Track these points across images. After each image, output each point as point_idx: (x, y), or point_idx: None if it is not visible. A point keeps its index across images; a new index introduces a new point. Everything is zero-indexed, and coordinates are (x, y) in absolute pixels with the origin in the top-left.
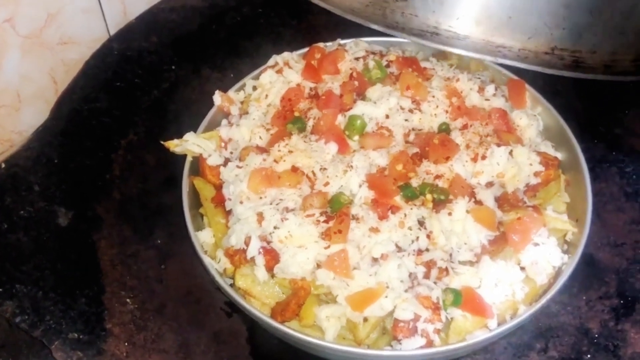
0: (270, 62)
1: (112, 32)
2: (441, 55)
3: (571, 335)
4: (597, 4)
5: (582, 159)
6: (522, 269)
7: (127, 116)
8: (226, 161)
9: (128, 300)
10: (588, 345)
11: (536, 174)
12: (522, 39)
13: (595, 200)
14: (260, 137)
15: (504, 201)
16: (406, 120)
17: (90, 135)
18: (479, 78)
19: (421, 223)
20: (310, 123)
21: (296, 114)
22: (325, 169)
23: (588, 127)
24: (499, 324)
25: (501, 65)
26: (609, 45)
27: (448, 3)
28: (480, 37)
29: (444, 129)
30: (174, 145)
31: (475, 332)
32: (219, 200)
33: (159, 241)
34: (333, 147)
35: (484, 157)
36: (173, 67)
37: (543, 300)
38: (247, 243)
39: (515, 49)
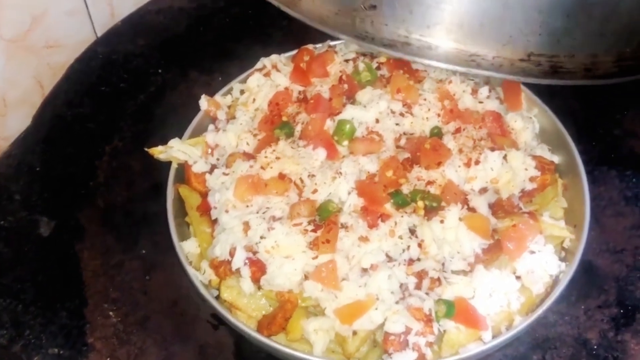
0: (258, 65)
1: (100, 34)
2: None
3: (569, 346)
4: (575, 7)
5: (579, 162)
6: (518, 278)
7: (112, 121)
8: (212, 168)
9: (111, 313)
10: (587, 357)
11: (532, 179)
12: (496, 47)
13: (594, 205)
14: (247, 143)
15: (499, 208)
16: (397, 124)
17: (73, 142)
18: (473, 79)
19: (412, 231)
20: (298, 128)
21: (284, 118)
22: (313, 175)
23: (586, 128)
24: (494, 336)
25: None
26: (588, 47)
27: (418, 11)
28: (452, 46)
29: (436, 133)
30: (159, 152)
31: (469, 344)
32: (205, 209)
33: (144, 251)
34: (321, 152)
35: (477, 162)
36: (160, 70)
37: (540, 311)
38: (232, 254)
39: (489, 57)
